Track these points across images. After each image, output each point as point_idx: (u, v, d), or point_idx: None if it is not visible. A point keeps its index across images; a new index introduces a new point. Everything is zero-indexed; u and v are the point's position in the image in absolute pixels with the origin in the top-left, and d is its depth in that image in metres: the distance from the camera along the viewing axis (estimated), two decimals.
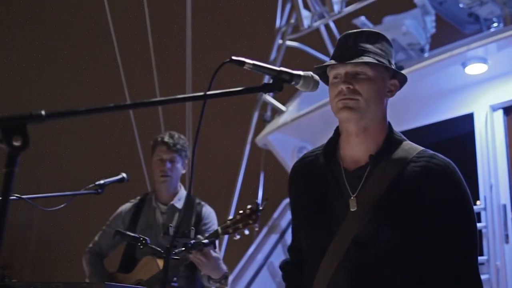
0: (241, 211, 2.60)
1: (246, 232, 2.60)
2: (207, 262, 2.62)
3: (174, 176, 3.18)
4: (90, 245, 3.27)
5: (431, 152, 1.68)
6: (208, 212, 3.18)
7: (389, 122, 1.72)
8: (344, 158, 1.70)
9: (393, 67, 1.68)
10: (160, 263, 2.89)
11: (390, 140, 1.68)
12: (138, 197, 3.34)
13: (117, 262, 3.23)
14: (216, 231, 2.66)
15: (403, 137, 1.73)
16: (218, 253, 2.71)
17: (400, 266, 1.58)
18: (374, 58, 1.63)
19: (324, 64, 1.71)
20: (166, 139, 3.17)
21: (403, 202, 1.58)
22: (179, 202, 3.21)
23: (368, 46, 1.66)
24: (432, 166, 1.61)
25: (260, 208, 2.57)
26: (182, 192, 3.25)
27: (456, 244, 1.60)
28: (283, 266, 1.89)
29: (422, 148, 1.69)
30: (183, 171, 3.26)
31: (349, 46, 1.67)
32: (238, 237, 2.64)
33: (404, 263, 1.58)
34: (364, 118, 1.64)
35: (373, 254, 1.58)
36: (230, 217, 2.70)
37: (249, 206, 2.58)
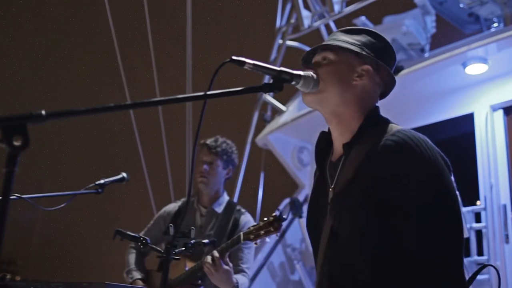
0: (265, 219, 2.60)
1: (267, 239, 2.61)
2: (216, 274, 2.62)
3: (212, 178, 3.19)
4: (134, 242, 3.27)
5: (399, 128, 1.56)
6: (246, 220, 3.17)
7: (375, 108, 1.66)
8: (333, 151, 1.71)
9: (365, 53, 1.63)
10: (188, 264, 2.93)
11: (365, 126, 1.61)
12: (183, 199, 3.40)
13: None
14: (238, 236, 2.65)
15: (391, 121, 1.64)
16: (230, 266, 2.68)
17: (368, 250, 1.49)
18: (335, 44, 1.65)
19: (301, 57, 1.73)
20: (208, 141, 3.22)
21: (361, 186, 1.51)
22: (219, 207, 3.23)
23: (341, 37, 1.68)
24: (388, 143, 1.50)
25: (284, 217, 2.56)
26: (225, 198, 3.28)
27: (415, 231, 1.45)
28: None
29: (400, 127, 1.58)
30: (226, 176, 3.27)
31: (327, 40, 1.71)
32: (258, 243, 2.64)
33: (368, 250, 1.49)
34: (327, 101, 1.62)
35: (339, 242, 1.54)
36: (254, 224, 2.72)
37: (273, 214, 2.59)
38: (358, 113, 1.63)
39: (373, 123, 1.62)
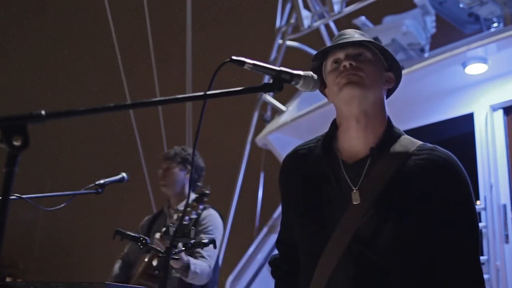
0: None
1: (194, 215, 2.83)
2: (164, 248, 2.70)
3: (169, 180, 3.38)
4: (122, 253, 3.48)
5: (431, 145, 1.64)
6: (206, 214, 3.26)
7: (388, 116, 1.69)
8: (342, 151, 1.65)
9: (396, 62, 1.68)
10: (146, 258, 3.09)
11: (390, 133, 1.64)
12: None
13: None
14: (177, 218, 2.88)
15: (401, 131, 1.69)
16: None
17: (404, 263, 1.53)
18: (376, 44, 1.65)
19: (322, 48, 1.68)
20: (165, 152, 3.51)
21: (405, 197, 1.55)
22: (182, 205, 3.34)
23: (366, 37, 1.69)
24: (435, 159, 1.58)
25: (207, 192, 2.86)
26: (191, 197, 3.34)
27: (461, 241, 1.56)
28: (272, 262, 1.87)
29: (421, 142, 1.65)
30: (187, 176, 3.40)
31: (348, 36, 1.68)
32: (187, 220, 2.81)
33: (408, 260, 1.54)
34: (367, 99, 1.60)
35: (375, 250, 1.53)
36: None
37: (198, 194, 2.92)
38: (383, 117, 1.66)
39: (393, 131, 1.66)
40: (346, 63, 1.61)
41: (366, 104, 1.61)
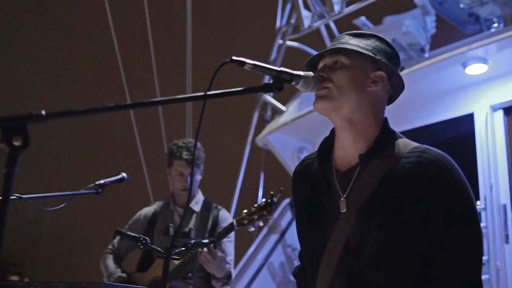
0: (256, 204, 2.70)
1: (261, 223, 2.73)
2: (214, 261, 2.77)
3: (193, 186, 3.32)
4: (110, 246, 3.37)
5: (425, 146, 1.55)
6: (226, 215, 3.29)
7: (385, 119, 1.63)
8: (337, 159, 1.63)
9: (380, 59, 1.59)
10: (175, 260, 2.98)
11: (383, 137, 1.57)
12: (157, 202, 3.48)
13: (135, 263, 3.35)
14: (232, 223, 2.78)
15: (400, 135, 1.62)
16: (224, 254, 2.85)
17: (395, 271, 1.47)
18: (348, 48, 1.58)
19: (306, 61, 1.67)
20: (185, 155, 3.25)
21: (391, 204, 1.48)
22: (196, 206, 3.33)
23: (351, 41, 1.62)
24: (423, 161, 1.49)
25: (275, 200, 2.67)
26: (200, 197, 3.39)
27: (454, 247, 1.46)
28: (296, 273, 1.83)
29: (417, 144, 1.58)
30: (200, 177, 3.40)
31: (335, 42, 1.65)
32: (252, 229, 2.74)
33: (399, 267, 1.47)
34: (343, 107, 1.56)
35: (361, 260, 1.49)
36: (245, 210, 2.80)
37: (264, 199, 2.70)
38: (373, 120, 1.59)
39: (388, 134, 1.60)
40: (318, 76, 1.58)
41: (344, 113, 1.57)
